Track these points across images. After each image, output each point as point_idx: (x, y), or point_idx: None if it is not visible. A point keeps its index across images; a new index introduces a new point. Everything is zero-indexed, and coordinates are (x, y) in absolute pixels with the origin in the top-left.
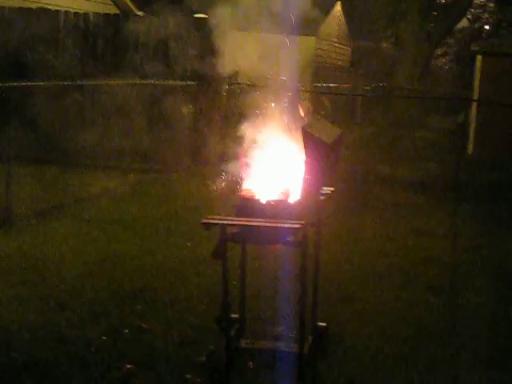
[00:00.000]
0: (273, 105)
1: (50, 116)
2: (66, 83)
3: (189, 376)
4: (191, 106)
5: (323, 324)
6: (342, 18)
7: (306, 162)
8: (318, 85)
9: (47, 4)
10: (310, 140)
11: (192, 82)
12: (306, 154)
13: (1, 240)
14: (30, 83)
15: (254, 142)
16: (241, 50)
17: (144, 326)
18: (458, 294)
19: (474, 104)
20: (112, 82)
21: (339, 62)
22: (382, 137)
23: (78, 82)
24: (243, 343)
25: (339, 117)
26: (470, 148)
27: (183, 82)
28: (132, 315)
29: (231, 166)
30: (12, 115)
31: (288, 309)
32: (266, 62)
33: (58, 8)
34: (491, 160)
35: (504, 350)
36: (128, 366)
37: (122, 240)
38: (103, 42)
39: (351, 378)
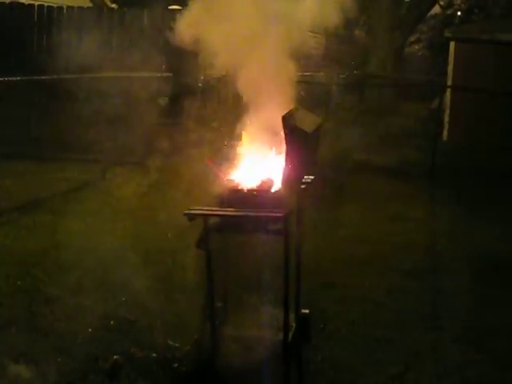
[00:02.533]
0: None
1: (25, 111)
2: (40, 78)
3: (175, 365)
4: (167, 98)
5: (306, 311)
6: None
7: (287, 151)
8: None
9: None
10: (291, 129)
11: (168, 74)
12: (286, 143)
13: None
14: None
15: (234, 133)
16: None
17: (129, 316)
18: (437, 277)
19: (448, 90)
20: (86, 76)
21: (313, 51)
22: (357, 124)
23: (54, 77)
24: (228, 331)
25: (314, 106)
26: (445, 134)
27: (159, 74)
28: (117, 306)
29: (212, 157)
30: None
31: (271, 297)
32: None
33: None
34: (466, 145)
35: (485, 332)
36: (115, 357)
37: (103, 232)
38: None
39: (336, 362)
